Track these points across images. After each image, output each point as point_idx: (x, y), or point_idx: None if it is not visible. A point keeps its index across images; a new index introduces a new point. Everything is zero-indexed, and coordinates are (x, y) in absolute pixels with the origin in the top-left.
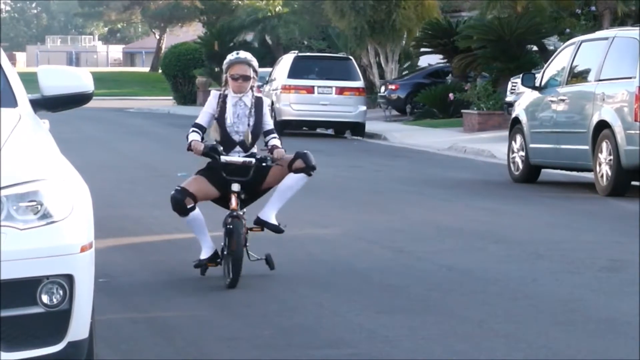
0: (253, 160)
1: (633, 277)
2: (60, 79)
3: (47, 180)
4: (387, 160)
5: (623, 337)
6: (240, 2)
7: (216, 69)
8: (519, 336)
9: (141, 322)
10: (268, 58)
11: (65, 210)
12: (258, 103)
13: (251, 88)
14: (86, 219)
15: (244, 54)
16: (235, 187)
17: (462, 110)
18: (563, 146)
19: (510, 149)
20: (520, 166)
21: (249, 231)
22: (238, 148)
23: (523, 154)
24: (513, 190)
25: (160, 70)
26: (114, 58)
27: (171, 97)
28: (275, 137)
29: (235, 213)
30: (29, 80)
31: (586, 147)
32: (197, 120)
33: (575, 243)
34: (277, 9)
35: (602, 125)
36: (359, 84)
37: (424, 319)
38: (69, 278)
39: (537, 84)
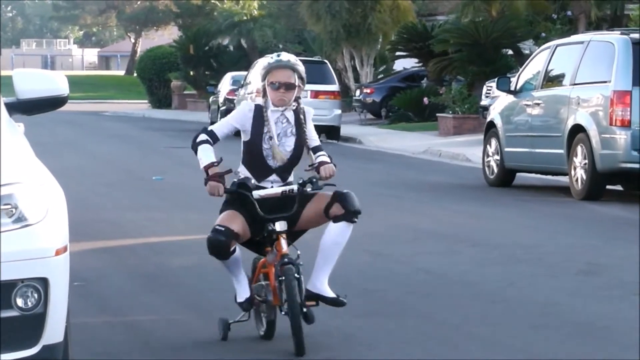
0: (295, 187)
1: (610, 281)
2: (35, 82)
3: (22, 183)
4: (363, 163)
5: (600, 341)
6: (218, 2)
7: (192, 73)
8: (495, 339)
9: (117, 326)
10: (243, 62)
11: (40, 213)
12: (298, 116)
13: (296, 100)
14: (61, 222)
15: (286, 56)
16: (281, 225)
17: (438, 114)
18: (538, 150)
19: (485, 153)
20: (496, 170)
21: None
22: (274, 177)
23: (498, 157)
24: (488, 193)
25: (135, 74)
26: (89, 61)
27: (146, 101)
28: (323, 154)
29: (286, 259)
30: (4, 83)
31: (561, 151)
32: (214, 128)
33: (552, 246)
34: (253, 13)
35: (577, 129)
36: (334, 87)
37: (401, 322)
38: (44, 281)
39: (512, 88)
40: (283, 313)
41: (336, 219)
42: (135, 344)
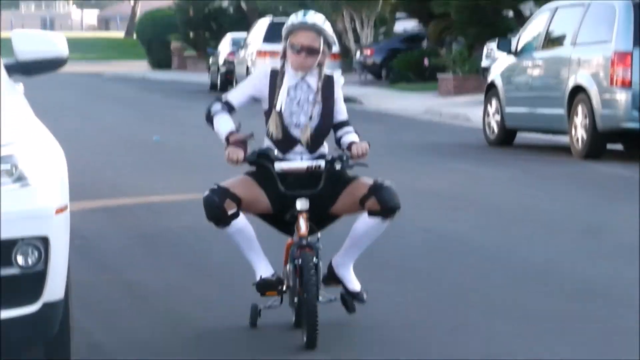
0: (322, 163)
1: (610, 241)
2: (34, 43)
3: (22, 142)
4: (363, 124)
5: (600, 300)
6: None
7: (191, 34)
8: (495, 300)
9: (117, 284)
10: (243, 23)
11: (40, 173)
12: (327, 84)
13: (319, 65)
14: (61, 182)
15: (312, 17)
16: (302, 204)
17: (438, 75)
18: (538, 110)
19: (485, 113)
20: (496, 130)
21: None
22: (300, 147)
23: (499, 117)
24: (489, 153)
25: (135, 36)
26: (88, 23)
27: (146, 62)
28: (350, 132)
29: (305, 242)
30: (4, 45)
31: (562, 110)
32: (229, 97)
33: (552, 206)
34: None
35: (578, 89)
36: (334, 48)
37: (401, 283)
38: (44, 240)
39: (513, 49)
40: (296, 301)
41: (371, 213)
42: (136, 302)
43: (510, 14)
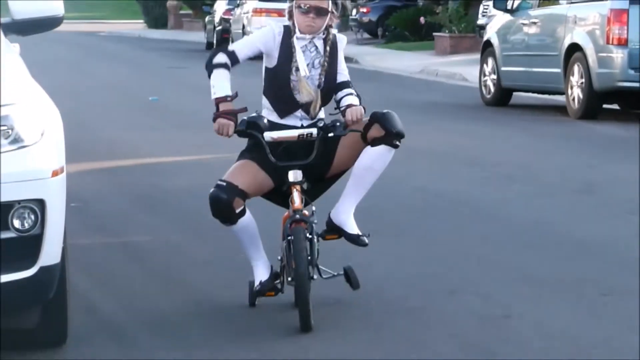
0: (314, 131)
1: (606, 199)
2: (30, 2)
3: (18, 104)
4: (359, 83)
5: (596, 259)
6: None
7: None
8: (492, 257)
9: (114, 247)
10: None
11: (36, 134)
12: (332, 47)
13: (327, 28)
14: (57, 144)
15: None
16: (294, 175)
17: (434, 34)
18: (535, 69)
19: (482, 72)
20: (492, 89)
21: (319, 240)
22: (300, 112)
23: (495, 77)
24: (485, 113)
25: None
26: None
27: (142, 21)
28: (350, 94)
29: (298, 215)
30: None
31: (558, 70)
32: (235, 48)
33: (548, 165)
34: None
35: (574, 47)
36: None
37: (396, 241)
38: (41, 203)
39: (509, 7)
40: (290, 279)
41: (374, 142)
42: (133, 265)
43: None
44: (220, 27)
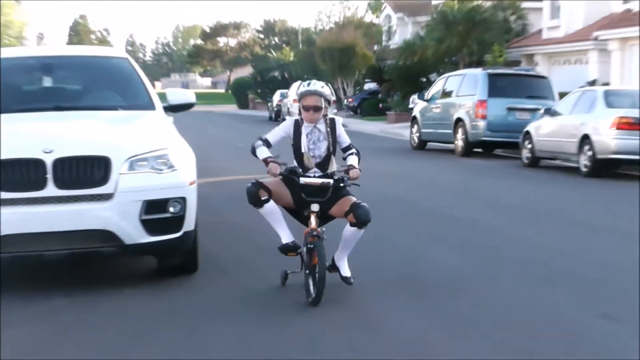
0: (331, 181)
1: (476, 196)
2: (178, 95)
3: (171, 147)
4: (350, 136)
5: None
6: (273, 53)
7: (259, 90)
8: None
9: (220, 223)
10: (286, 84)
11: (180, 163)
12: (332, 124)
13: (324, 116)
14: (192, 168)
15: (314, 85)
16: (315, 207)
17: (387, 112)
18: (438, 130)
19: (411, 132)
20: (416, 141)
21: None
22: (314, 169)
23: (418, 134)
24: (412, 153)
25: (229, 91)
26: (205, 85)
27: (235, 105)
28: (352, 154)
29: (315, 232)
30: (161, 96)
31: (450, 131)
32: (267, 136)
33: (448, 178)
34: (290, 59)
35: (459, 119)
36: (333, 98)
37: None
38: (183, 199)
39: (426, 98)
40: (307, 272)
41: (352, 225)
42: (230, 233)
43: (424, 79)
44: (275, 109)
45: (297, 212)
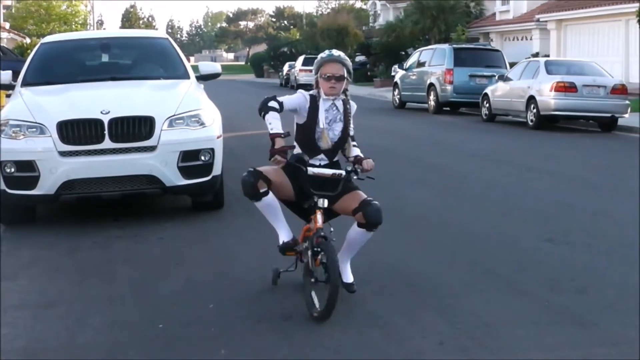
0: (343, 172)
1: (448, 147)
2: (207, 67)
3: (202, 108)
4: None
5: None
6: (282, 33)
7: (272, 63)
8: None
9: (243, 169)
10: (293, 57)
11: (210, 121)
12: (346, 106)
13: (344, 91)
14: (219, 125)
15: (337, 52)
16: (323, 202)
17: (374, 79)
18: (415, 93)
19: (393, 94)
20: (397, 102)
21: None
22: (321, 156)
23: (398, 97)
24: (394, 112)
25: (248, 63)
26: (229, 58)
27: (253, 74)
28: (356, 146)
29: (322, 233)
30: (194, 68)
31: (424, 93)
32: (284, 100)
33: (419, 132)
34: (296, 38)
35: (431, 84)
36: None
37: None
38: (212, 150)
39: (405, 67)
40: (312, 280)
41: (359, 225)
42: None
43: (403, 53)
44: (285, 77)
45: (295, 204)
